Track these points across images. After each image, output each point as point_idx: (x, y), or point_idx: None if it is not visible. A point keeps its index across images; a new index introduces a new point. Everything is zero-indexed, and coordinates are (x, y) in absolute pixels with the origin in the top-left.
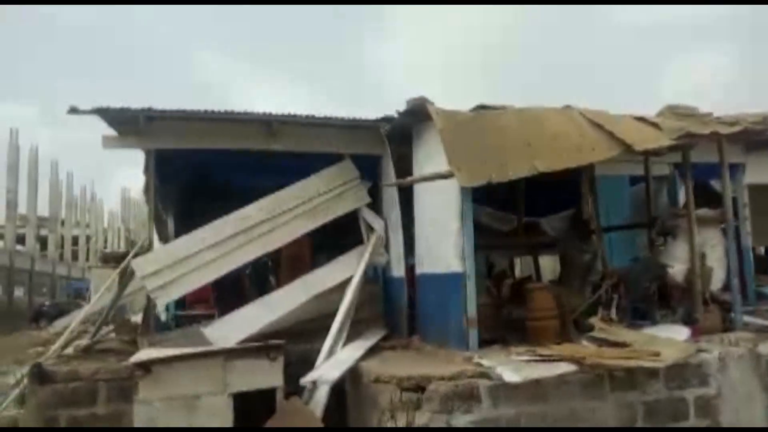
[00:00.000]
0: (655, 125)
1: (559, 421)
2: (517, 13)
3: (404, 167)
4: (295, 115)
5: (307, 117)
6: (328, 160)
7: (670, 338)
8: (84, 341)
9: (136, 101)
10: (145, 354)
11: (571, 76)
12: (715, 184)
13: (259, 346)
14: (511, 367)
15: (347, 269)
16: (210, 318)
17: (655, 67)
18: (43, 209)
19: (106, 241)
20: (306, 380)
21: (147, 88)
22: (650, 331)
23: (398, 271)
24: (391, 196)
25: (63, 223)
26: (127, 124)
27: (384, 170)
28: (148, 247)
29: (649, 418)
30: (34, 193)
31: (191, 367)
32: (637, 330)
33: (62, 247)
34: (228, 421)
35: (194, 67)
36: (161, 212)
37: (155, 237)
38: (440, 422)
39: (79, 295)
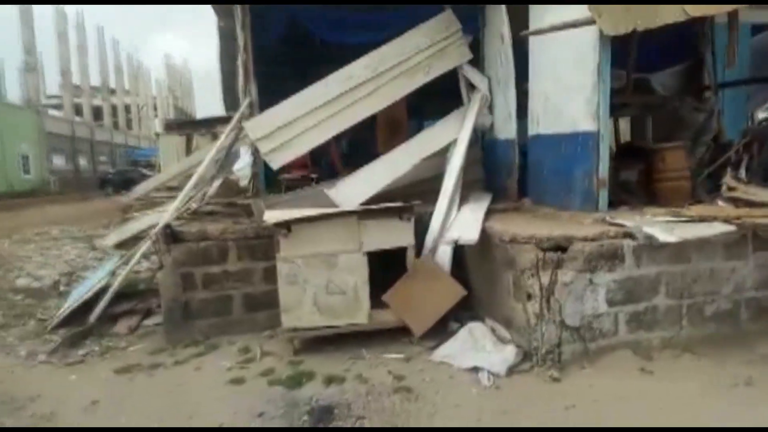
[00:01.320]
0: None
1: (699, 280)
2: None
3: (515, 19)
4: None
5: None
6: (427, 11)
7: None
8: (193, 204)
9: None
10: (276, 214)
11: None
12: None
13: (392, 206)
14: (661, 227)
15: (453, 130)
16: (310, 182)
17: None
18: (94, 78)
19: (155, 109)
20: (447, 240)
21: None
22: None
23: (506, 132)
24: (496, 51)
25: (113, 91)
26: None
27: (489, 21)
28: (249, 113)
29: None
30: (85, 62)
31: (329, 227)
32: None
33: (115, 115)
34: (364, 277)
35: None
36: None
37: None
38: (583, 280)
39: (136, 162)
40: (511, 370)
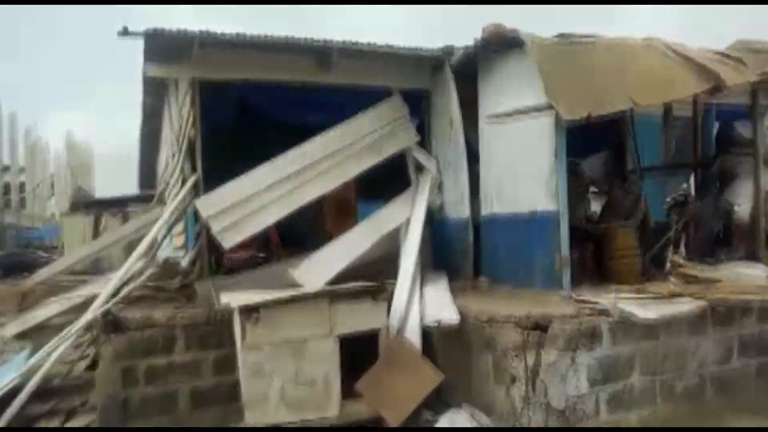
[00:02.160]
0: (739, 60)
1: (668, 356)
2: None
3: (462, 104)
4: (356, 43)
5: (369, 44)
6: (375, 95)
7: (755, 275)
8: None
9: None
10: (240, 297)
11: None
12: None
13: (364, 287)
14: (636, 305)
15: (406, 210)
16: (255, 263)
17: None
18: None
19: (52, 187)
20: (428, 321)
21: None
22: (725, 268)
23: (458, 212)
24: (444, 134)
25: (6, 168)
26: (169, 51)
27: (436, 105)
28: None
29: (743, 351)
30: None
31: (300, 310)
32: (715, 267)
33: (7, 193)
34: (335, 365)
35: None
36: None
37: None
38: (566, 360)
39: (29, 244)
40: None
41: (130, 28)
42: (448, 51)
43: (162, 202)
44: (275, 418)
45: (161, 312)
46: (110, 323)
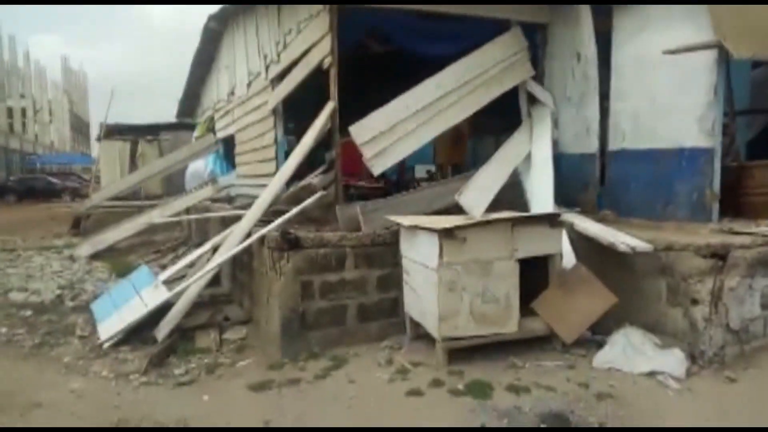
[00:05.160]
0: None
1: None
2: None
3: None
4: None
5: None
6: (493, 27)
7: None
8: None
9: None
10: (405, 220)
11: None
12: None
13: (543, 214)
14: None
15: (527, 142)
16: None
17: None
18: None
19: (51, 113)
20: (623, 248)
21: None
22: None
23: (581, 147)
24: (566, 68)
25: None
26: None
27: (556, 40)
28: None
29: None
30: None
31: (485, 233)
32: None
33: (11, 117)
34: (516, 285)
35: None
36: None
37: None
38: (744, 286)
39: (33, 170)
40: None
41: None
42: None
43: (210, 130)
44: (464, 331)
45: (332, 232)
46: (290, 241)
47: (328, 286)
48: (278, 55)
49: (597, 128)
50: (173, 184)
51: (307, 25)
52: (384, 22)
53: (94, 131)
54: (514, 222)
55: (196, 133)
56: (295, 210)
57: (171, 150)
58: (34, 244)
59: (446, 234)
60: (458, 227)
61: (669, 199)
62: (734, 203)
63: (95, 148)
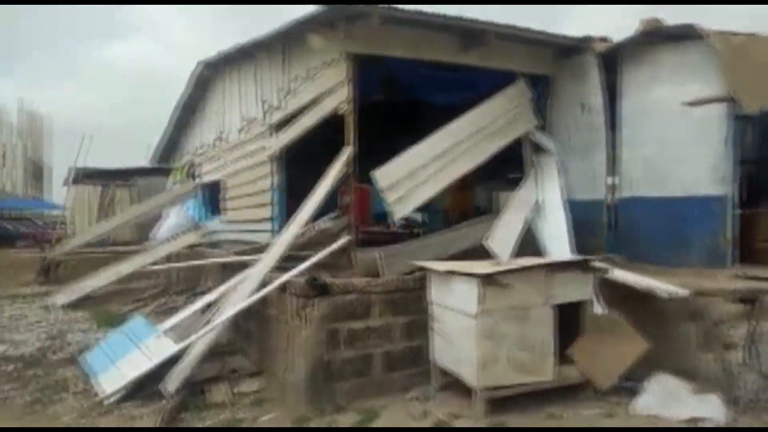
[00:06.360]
0: None
1: None
2: None
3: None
4: (510, 26)
5: (519, 28)
6: (502, 78)
7: None
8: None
9: None
10: (433, 265)
11: None
12: None
13: (577, 259)
14: None
15: (535, 191)
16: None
17: None
18: None
19: (3, 157)
20: (661, 294)
21: None
22: None
23: (589, 193)
24: (570, 118)
25: None
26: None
27: (561, 91)
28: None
29: None
30: None
31: (521, 279)
32: None
33: None
34: (551, 332)
35: None
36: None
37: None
38: None
39: None
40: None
41: None
42: (587, 39)
43: (191, 176)
44: (503, 380)
45: (357, 278)
46: (317, 287)
47: (354, 334)
48: (281, 101)
49: (604, 175)
50: (144, 230)
51: (320, 72)
52: (401, 72)
53: (57, 176)
54: (550, 268)
55: (171, 179)
56: (320, 254)
57: (145, 195)
58: (1, 292)
59: (487, 280)
60: (499, 273)
61: (682, 246)
62: (746, 249)
63: (58, 193)
